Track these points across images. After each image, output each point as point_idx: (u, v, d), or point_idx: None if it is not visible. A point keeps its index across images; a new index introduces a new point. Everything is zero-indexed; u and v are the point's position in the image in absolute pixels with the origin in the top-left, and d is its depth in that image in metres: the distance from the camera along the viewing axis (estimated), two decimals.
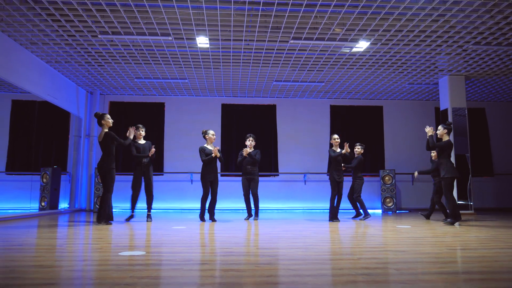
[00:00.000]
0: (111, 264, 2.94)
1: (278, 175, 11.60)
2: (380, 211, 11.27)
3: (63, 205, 10.46)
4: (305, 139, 11.79)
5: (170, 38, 7.31)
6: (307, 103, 12.05)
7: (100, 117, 6.62)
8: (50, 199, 9.62)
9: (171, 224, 6.57)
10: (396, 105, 12.21)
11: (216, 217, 8.30)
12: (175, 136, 11.63)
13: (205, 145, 7.55)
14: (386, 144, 12.03)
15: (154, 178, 11.24)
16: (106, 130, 6.57)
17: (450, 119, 9.67)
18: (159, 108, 11.72)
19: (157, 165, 11.39)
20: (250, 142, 8.04)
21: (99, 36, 7.14)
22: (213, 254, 3.41)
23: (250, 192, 7.72)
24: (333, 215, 7.40)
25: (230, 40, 7.56)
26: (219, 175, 11.33)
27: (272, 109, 11.99)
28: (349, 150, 7.49)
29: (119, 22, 6.74)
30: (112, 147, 6.55)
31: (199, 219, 7.52)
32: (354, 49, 7.98)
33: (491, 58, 8.48)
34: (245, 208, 8.01)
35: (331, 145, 7.84)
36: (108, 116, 6.68)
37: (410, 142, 12.09)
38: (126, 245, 3.93)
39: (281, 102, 12.02)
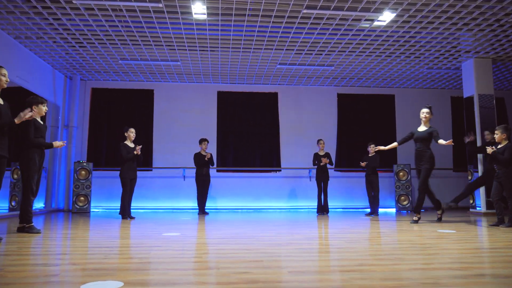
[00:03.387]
0: None
1: (280, 170, 10.47)
2: (394, 210, 10.21)
3: (38, 204, 9.21)
4: (310, 131, 10.64)
5: (160, 5, 6.10)
6: (312, 91, 10.92)
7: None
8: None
9: (161, 229, 5.40)
10: (409, 94, 11.15)
11: (214, 217, 7.19)
12: (165, 127, 10.42)
13: (126, 142, 7.26)
14: (398, 137, 10.96)
15: (143, 174, 10.05)
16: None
17: (476, 107, 8.60)
18: (147, 96, 10.49)
19: (145, 159, 10.18)
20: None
21: (74, 1, 5.91)
22: (225, 285, 2.27)
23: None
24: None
25: (231, 12, 6.38)
26: (214, 170, 10.19)
27: (273, 97, 10.83)
28: (329, 163, 8.57)
29: None
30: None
31: (195, 218, 6.35)
32: (375, 24, 6.86)
33: None
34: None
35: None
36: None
37: None
38: (96, 268, 2.76)
39: (284, 90, 10.87)
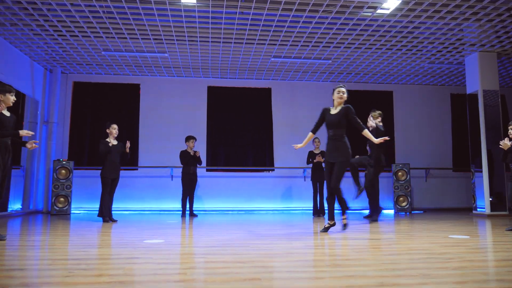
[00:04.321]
0: None
1: (273, 170, 9.95)
2: (392, 211, 9.75)
3: (15, 206, 8.56)
4: (304, 129, 10.02)
5: None
6: (307, 86, 10.42)
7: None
8: None
9: (144, 234, 4.84)
10: (408, 90, 10.70)
11: (203, 219, 6.65)
12: (152, 123, 9.83)
13: (108, 139, 6.71)
14: (396, 135, 10.52)
15: (127, 173, 9.46)
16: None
17: (480, 103, 8.17)
18: (133, 91, 9.89)
19: (131, 157, 9.58)
20: None
21: None
22: None
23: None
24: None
25: None
26: (204, 170, 9.64)
27: (266, 93, 10.30)
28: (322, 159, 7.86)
29: None
30: None
31: (180, 220, 5.82)
32: (378, 12, 6.38)
33: None
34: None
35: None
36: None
37: (422, 132, 10.60)
38: None
39: (277, 85, 10.35)
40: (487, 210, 7.91)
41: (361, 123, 4.98)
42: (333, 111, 5.06)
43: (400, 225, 6.21)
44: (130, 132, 9.65)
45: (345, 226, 5.20)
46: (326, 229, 5.03)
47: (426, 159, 10.46)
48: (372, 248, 3.72)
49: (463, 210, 9.89)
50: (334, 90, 5.10)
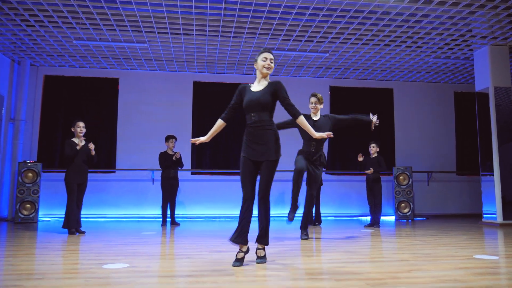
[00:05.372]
0: None
1: None
2: (393, 218, 9.02)
3: None
4: (297, 128, 9.35)
5: None
6: (301, 82, 9.64)
7: None
8: None
9: (109, 253, 4.01)
10: (408, 87, 9.98)
11: (186, 228, 5.83)
12: (132, 121, 8.97)
13: (74, 139, 5.87)
14: (396, 135, 9.79)
15: (103, 176, 8.60)
16: None
17: (491, 101, 7.46)
18: (111, 85, 9.02)
19: (108, 159, 8.72)
20: None
21: None
22: None
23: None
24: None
25: None
26: (188, 173, 8.82)
27: None
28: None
29: None
30: None
31: (160, 229, 4.99)
32: None
33: None
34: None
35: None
36: None
37: (424, 132, 9.89)
38: None
39: None
40: (499, 218, 7.20)
41: (295, 107, 3.59)
42: (255, 87, 3.63)
43: (408, 238, 5.44)
44: (107, 131, 8.79)
45: (261, 259, 3.50)
46: (239, 261, 3.39)
47: (428, 162, 9.76)
48: (390, 279, 2.93)
49: (468, 217, 9.22)
50: (257, 57, 3.62)
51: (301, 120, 3.58)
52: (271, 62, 3.60)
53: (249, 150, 3.54)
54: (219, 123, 3.79)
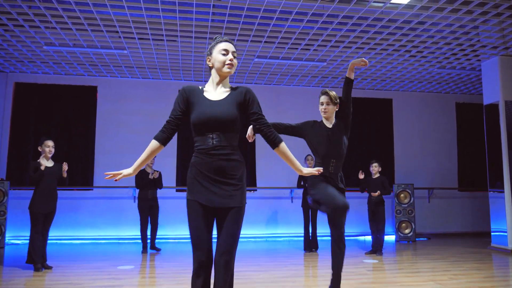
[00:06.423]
0: None
1: (256, 190, 8.50)
2: (393, 237, 8.43)
3: None
4: (292, 141, 8.65)
5: None
6: (294, 92, 9.01)
7: None
8: None
9: None
10: (408, 98, 9.41)
11: (168, 255, 5.14)
12: (111, 133, 8.23)
13: (41, 160, 5.07)
14: (396, 149, 9.21)
15: (79, 194, 7.87)
16: None
17: (502, 116, 6.91)
18: (89, 94, 8.27)
19: (85, 175, 7.98)
20: None
21: None
22: None
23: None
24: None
25: None
26: (173, 190, 8.13)
27: None
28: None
29: None
30: None
31: (140, 257, 4.30)
32: (391, 3, 5.01)
33: None
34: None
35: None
36: None
37: (425, 146, 9.33)
38: None
39: (260, 91, 8.84)
40: (510, 245, 6.63)
41: (270, 127, 2.46)
42: (212, 95, 2.46)
43: (412, 267, 4.82)
44: (84, 144, 8.05)
45: None
46: None
47: (429, 177, 9.20)
48: None
49: (471, 236, 8.70)
50: (212, 49, 2.48)
51: (283, 149, 2.43)
52: (234, 57, 2.46)
53: (202, 191, 2.31)
54: (154, 146, 2.44)
